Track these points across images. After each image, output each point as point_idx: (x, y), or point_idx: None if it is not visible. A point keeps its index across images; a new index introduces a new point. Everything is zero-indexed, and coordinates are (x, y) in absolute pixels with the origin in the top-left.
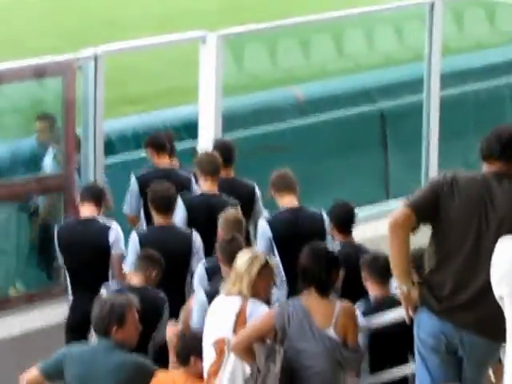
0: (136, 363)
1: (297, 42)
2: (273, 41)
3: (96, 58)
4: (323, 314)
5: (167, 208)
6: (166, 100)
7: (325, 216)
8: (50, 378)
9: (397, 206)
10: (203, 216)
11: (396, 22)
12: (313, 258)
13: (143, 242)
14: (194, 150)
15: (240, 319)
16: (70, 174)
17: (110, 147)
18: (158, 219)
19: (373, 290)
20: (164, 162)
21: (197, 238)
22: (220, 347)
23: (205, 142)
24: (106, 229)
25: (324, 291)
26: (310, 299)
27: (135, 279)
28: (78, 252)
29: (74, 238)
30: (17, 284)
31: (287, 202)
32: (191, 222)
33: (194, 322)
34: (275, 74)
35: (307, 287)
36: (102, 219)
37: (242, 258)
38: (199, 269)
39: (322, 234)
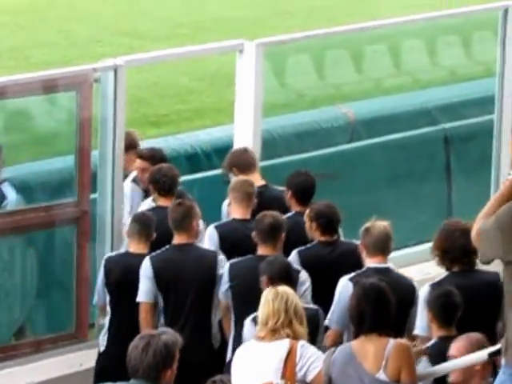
0: None
1: (348, 54)
2: (320, 52)
3: (116, 70)
4: (373, 355)
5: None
6: (196, 121)
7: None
8: None
9: None
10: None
11: (463, 32)
12: (363, 298)
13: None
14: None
15: (289, 363)
16: (85, 202)
17: None
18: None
19: (437, 331)
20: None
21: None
22: None
23: None
24: None
25: (373, 330)
26: (358, 341)
27: None
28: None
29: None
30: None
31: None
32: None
33: None
34: (323, 90)
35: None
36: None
37: (276, 299)
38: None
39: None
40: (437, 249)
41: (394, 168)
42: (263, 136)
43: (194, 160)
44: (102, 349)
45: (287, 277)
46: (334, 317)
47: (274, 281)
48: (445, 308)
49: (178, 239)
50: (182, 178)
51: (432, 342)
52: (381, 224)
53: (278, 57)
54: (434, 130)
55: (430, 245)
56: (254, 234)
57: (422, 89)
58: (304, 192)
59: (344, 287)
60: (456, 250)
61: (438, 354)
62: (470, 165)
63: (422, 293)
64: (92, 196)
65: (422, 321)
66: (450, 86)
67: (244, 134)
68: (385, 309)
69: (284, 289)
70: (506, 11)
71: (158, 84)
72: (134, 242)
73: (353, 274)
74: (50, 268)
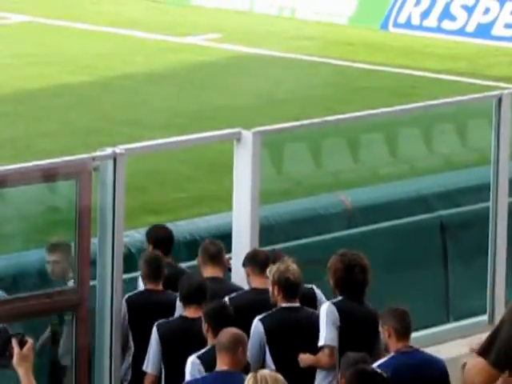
0: None
1: (344, 143)
2: (317, 141)
3: (115, 158)
4: None
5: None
6: (195, 209)
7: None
8: None
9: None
10: None
11: (458, 120)
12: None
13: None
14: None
15: None
16: (84, 289)
17: (132, 260)
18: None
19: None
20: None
21: None
22: None
23: (239, 254)
24: None
25: None
26: None
27: None
28: None
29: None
30: None
31: None
32: None
33: None
34: (320, 178)
35: None
36: None
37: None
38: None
39: None
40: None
41: (391, 254)
42: (261, 223)
43: (193, 247)
44: None
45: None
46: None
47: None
48: None
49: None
50: (183, 264)
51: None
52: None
53: (275, 145)
54: (430, 217)
55: (427, 331)
56: None
57: (418, 176)
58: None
59: (255, 327)
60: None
61: None
62: (467, 251)
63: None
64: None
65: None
66: (446, 174)
67: (242, 221)
68: None
69: (264, 373)
70: (499, 100)
71: (156, 172)
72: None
73: (264, 314)
74: (50, 353)
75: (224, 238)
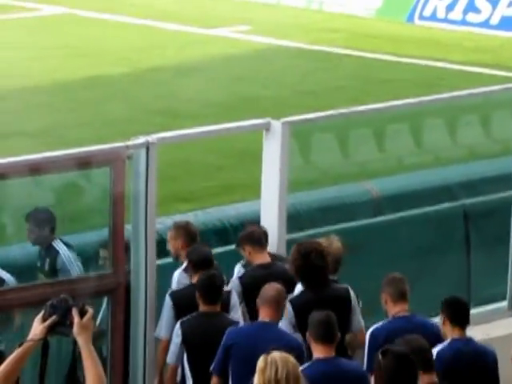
0: None
1: (371, 133)
2: (344, 131)
3: (148, 147)
4: None
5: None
6: (224, 197)
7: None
8: None
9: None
10: None
11: (482, 111)
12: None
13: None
14: None
15: None
16: (119, 275)
17: (163, 246)
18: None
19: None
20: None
21: None
22: None
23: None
24: None
25: None
26: None
27: None
28: None
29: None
30: None
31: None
32: None
33: None
34: (346, 168)
35: None
36: None
37: (265, 368)
38: None
39: None
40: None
41: (416, 242)
42: (288, 211)
43: (222, 234)
44: None
45: None
46: None
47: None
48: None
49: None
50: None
51: None
52: None
53: (303, 135)
54: (453, 206)
55: None
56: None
57: (443, 166)
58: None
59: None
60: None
61: None
62: (489, 239)
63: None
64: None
65: None
66: (470, 164)
67: (270, 209)
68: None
69: (275, 356)
70: None
71: (188, 161)
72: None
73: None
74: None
75: (251, 224)
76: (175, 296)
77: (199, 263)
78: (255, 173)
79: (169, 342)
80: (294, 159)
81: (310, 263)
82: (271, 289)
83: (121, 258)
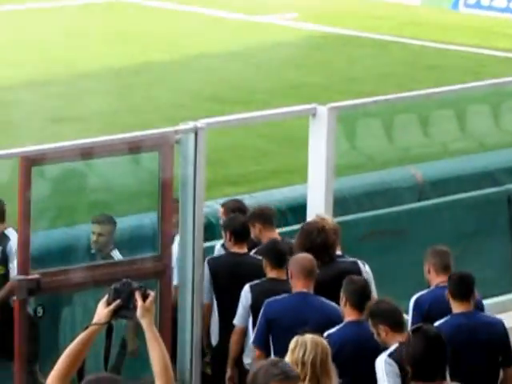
0: None
1: (415, 119)
2: (389, 117)
3: (196, 132)
4: None
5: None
6: (270, 181)
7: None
8: None
9: None
10: None
11: None
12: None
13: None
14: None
15: None
16: (167, 257)
17: (211, 230)
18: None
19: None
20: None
21: None
22: None
23: None
24: None
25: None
26: None
27: None
28: None
29: None
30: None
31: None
32: None
33: None
34: (391, 153)
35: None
36: None
37: (294, 349)
38: None
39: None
40: (299, 248)
41: (460, 226)
42: (334, 195)
43: None
44: None
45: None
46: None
47: None
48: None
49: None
50: None
51: None
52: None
53: (349, 120)
54: (498, 191)
55: (494, 299)
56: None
57: (487, 152)
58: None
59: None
60: (315, 248)
61: None
62: None
63: None
64: None
65: None
66: None
67: (316, 194)
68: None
69: (306, 339)
70: None
71: (235, 146)
72: None
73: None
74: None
75: (298, 208)
76: (212, 262)
77: (238, 233)
78: (302, 158)
79: (210, 305)
80: (339, 144)
81: (313, 242)
82: (305, 260)
83: (169, 241)
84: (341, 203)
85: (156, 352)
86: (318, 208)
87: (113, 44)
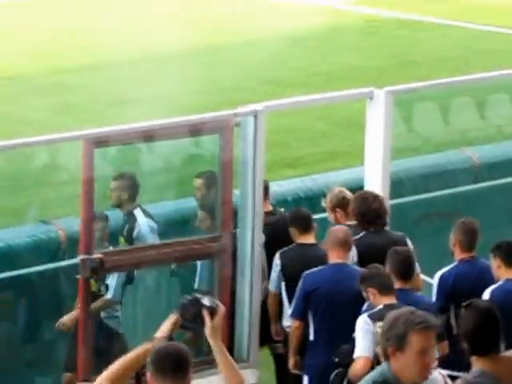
0: None
1: (471, 102)
2: (445, 100)
3: (256, 115)
4: None
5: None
6: (328, 163)
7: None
8: None
9: None
10: None
11: None
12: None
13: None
14: None
15: None
16: (227, 237)
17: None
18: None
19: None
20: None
21: None
22: None
23: None
24: None
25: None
26: (489, 364)
27: None
28: None
29: None
30: None
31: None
32: None
33: None
34: (448, 135)
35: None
36: None
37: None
38: None
39: None
40: (355, 213)
41: None
42: (391, 177)
43: None
44: None
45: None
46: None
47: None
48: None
49: None
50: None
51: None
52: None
53: (405, 104)
54: None
55: None
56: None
57: None
58: None
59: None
60: (371, 213)
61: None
62: None
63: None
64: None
65: None
66: None
67: (374, 176)
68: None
69: None
70: None
71: (294, 128)
72: None
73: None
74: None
75: (355, 190)
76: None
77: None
78: (359, 140)
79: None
80: (396, 127)
81: (367, 205)
82: (339, 231)
83: (229, 221)
84: (397, 185)
85: (224, 365)
86: (375, 190)
87: (178, 27)
